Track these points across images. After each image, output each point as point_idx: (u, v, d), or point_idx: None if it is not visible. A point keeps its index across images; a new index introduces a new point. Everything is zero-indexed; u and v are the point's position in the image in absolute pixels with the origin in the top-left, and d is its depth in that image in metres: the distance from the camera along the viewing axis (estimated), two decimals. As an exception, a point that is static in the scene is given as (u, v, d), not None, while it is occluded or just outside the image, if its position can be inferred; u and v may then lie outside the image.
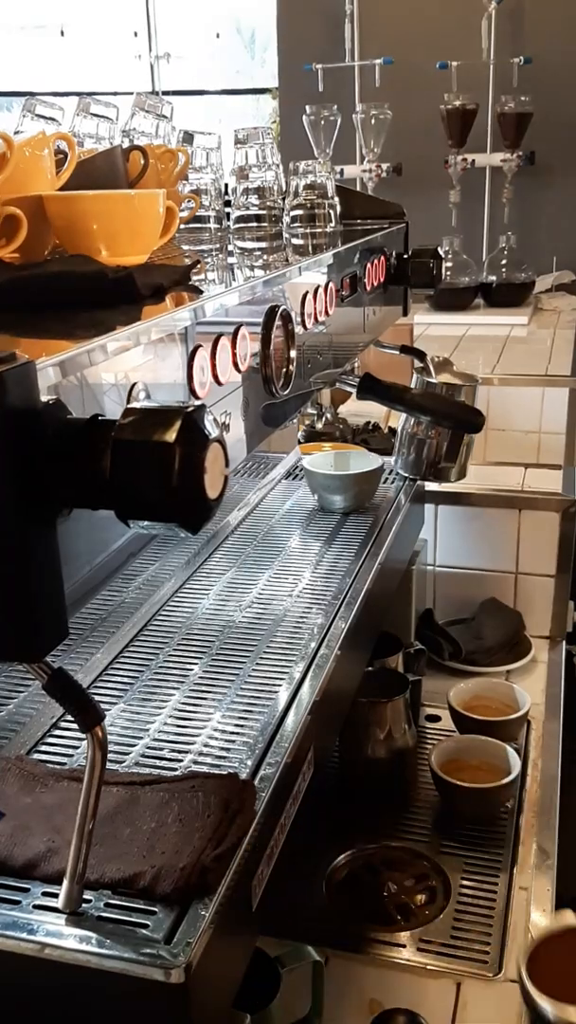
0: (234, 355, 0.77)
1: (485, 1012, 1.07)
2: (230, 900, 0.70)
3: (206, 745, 0.87)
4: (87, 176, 0.94)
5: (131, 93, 1.19)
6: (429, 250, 1.37)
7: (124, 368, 0.60)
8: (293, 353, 0.91)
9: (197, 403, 0.53)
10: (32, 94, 1.03)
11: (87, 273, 0.71)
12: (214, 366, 0.72)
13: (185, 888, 0.67)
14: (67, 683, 0.60)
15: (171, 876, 0.68)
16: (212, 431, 0.52)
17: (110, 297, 0.68)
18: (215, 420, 0.54)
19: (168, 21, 4.72)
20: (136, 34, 4.77)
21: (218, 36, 5.18)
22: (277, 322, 0.86)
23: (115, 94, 1.14)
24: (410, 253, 1.40)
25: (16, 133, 0.93)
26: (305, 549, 1.34)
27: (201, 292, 0.80)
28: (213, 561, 1.30)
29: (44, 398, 0.51)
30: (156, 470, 0.50)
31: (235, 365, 0.77)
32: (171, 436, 0.50)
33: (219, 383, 0.73)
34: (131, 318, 0.63)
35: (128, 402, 0.58)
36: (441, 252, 1.44)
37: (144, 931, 0.65)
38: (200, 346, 0.69)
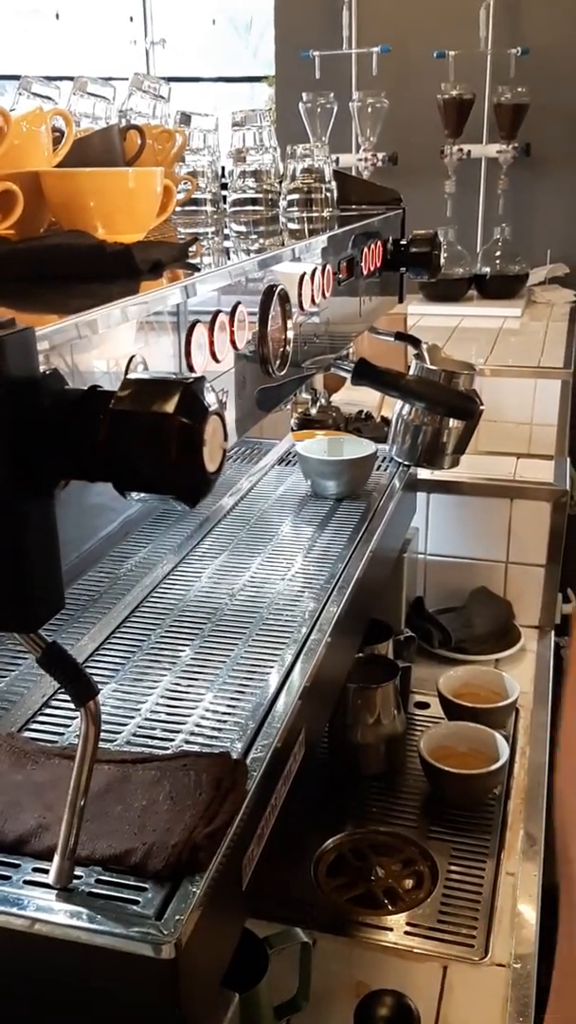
0: (231, 333, 0.76)
1: (471, 995, 1.08)
2: (221, 878, 0.70)
3: (198, 725, 0.87)
4: (83, 154, 0.93)
5: (126, 79, 1.18)
6: (428, 236, 1.37)
7: (121, 342, 0.60)
8: (290, 334, 0.90)
9: (196, 375, 0.52)
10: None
11: (85, 246, 0.70)
12: (211, 343, 0.72)
13: (176, 865, 0.67)
14: (61, 657, 0.59)
15: (162, 853, 0.67)
16: (212, 403, 0.52)
17: (108, 271, 0.68)
18: (214, 393, 0.53)
19: (164, 7, 4.69)
20: (132, 19, 4.73)
21: (214, 23, 5.15)
22: (275, 302, 0.86)
23: (110, 79, 1.13)
24: (408, 239, 1.40)
25: (11, 111, 0.92)
26: (297, 534, 1.34)
27: (199, 269, 0.79)
28: (205, 545, 1.30)
29: (41, 368, 0.50)
30: (155, 442, 0.50)
31: (232, 343, 0.77)
32: (170, 407, 0.50)
33: (216, 360, 0.73)
34: (129, 291, 0.63)
35: (126, 375, 0.58)
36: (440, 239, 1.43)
37: (135, 907, 0.65)
38: (198, 322, 0.69)
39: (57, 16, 4.86)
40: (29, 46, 4.82)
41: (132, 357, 0.59)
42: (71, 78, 1.10)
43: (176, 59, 4.77)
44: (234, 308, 0.77)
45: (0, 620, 0.51)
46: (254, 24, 5.00)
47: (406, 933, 1.17)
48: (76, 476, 0.52)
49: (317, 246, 1.07)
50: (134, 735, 0.86)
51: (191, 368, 0.69)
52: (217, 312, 0.73)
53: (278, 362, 0.88)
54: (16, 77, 1.02)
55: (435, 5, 3.05)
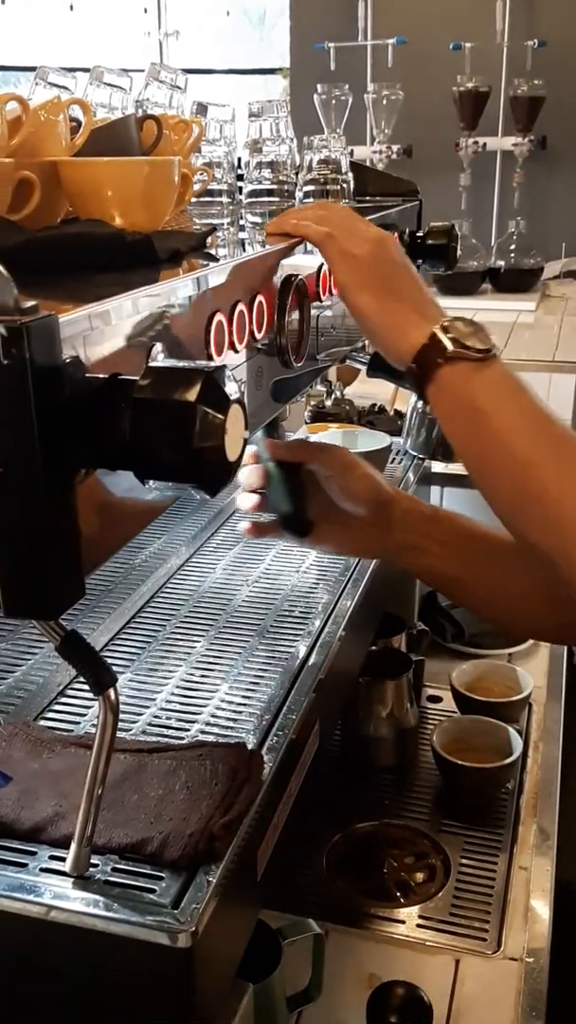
0: (250, 324, 0.76)
1: (484, 989, 1.08)
2: (236, 868, 0.70)
3: (213, 716, 0.87)
4: (100, 144, 0.93)
5: (141, 70, 1.18)
6: (445, 228, 1.35)
7: (139, 331, 0.60)
8: (308, 325, 0.90)
9: (218, 363, 0.52)
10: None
11: (105, 235, 0.70)
12: (230, 333, 0.72)
13: (193, 855, 0.67)
14: (80, 645, 0.59)
15: (179, 842, 0.68)
16: (233, 392, 0.52)
17: (127, 260, 0.68)
18: (235, 382, 0.53)
19: (178, -2, 4.68)
20: (146, 11, 4.72)
21: (228, 14, 5.14)
22: (292, 293, 0.85)
23: (124, 71, 1.13)
24: (425, 231, 1.39)
25: (28, 100, 0.92)
26: (311, 527, 1.33)
27: (217, 259, 0.79)
28: (220, 536, 1.30)
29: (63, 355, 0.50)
30: (177, 430, 0.50)
31: (251, 334, 0.76)
32: (192, 396, 0.50)
33: (235, 351, 0.73)
34: (149, 280, 0.63)
35: (147, 362, 0.58)
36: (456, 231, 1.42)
37: (151, 896, 0.65)
38: (218, 311, 0.69)
39: (71, 7, 4.86)
40: (43, 37, 4.82)
41: (152, 346, 0.59)
42: (85, 70, 1.10)
43: (190, 51, 4.76)
44: (252, 299, 0.77)
45: (21, 608, 0.51)
46: (268, 16, 4.99)
47: (418, 926, 1.17)
48: (97, 464, 0.52)
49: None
50: (149, 725, 0.86)
51: (210, 358, 0.69)
52: (236, 302, 0.73)
53: (295, 354, 0.88)
54: (31, 68, 1.02)
55: (451, -3, 3.04)
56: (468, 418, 0.71)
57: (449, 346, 0.70)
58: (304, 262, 0.94)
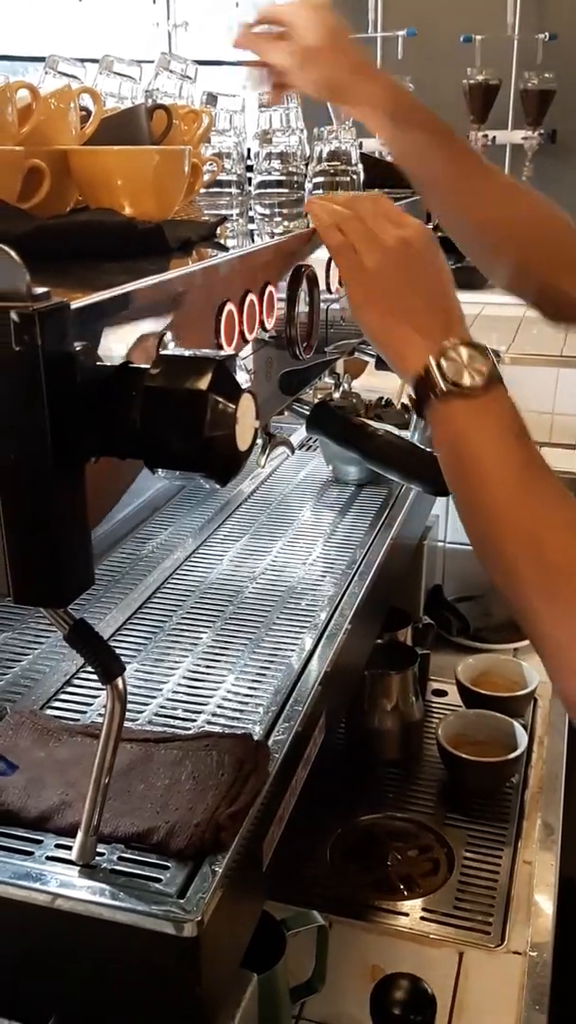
0: (260, 314, 0.76)
1: (487, 982, 1.08)
2: (242, 859, 0.70)
3: (219, 707, 0.87)
4: (110, 133, 0.93)
5: (149, 61, 1.17)
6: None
7: (149, 319, 0.60)
8: (317, 316, 0.90)
9: (229, 352, 0.52)
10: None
11: (115, 224, 0.70)
12: (240, 323, 0.72)
13: (199, 844, 0.67)
14: (88, 634, 0.59)
15: (185, 832, 0.68)
16: (244, 381, 0.51)
17: (138, 248, 0.67)
18: (245, 372, 0.53)
19: (187, -12, 4.66)
20: (154, 1, 4.70)
21: (237, 5, 5.12)
22: (303, 283, 0.85)
23: (135, 61, 1.13)
24: (435, 223, 1.38)
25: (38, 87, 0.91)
26: (318, 519, 1.33)
27: (227, 249, 0.79)
28: (226, 528, 1.30)
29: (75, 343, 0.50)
30: (188, 419, 0.50)
31: (261, 324, 0.76)
32: (204, 384, 0.49)
33: (245, 341, 0.73)
34: (160, 269, 0.62)
35: (157, 351, 0.58)
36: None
37: (157, 885, 0.65)
38: (228, 300, 0.68)
39: (80, -2, 4.84)
40: (51, 27, 4.80)
41: (163, 334, 0.59)
42: (94, 60, 1.09)
43: (199, 42, 4.74)
44: (263, 289, 0.77)
45: (31, 595, 0.51)
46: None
47: (422, 919, 1.17)
48: (107, 452, 0.52)
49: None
50: (156, 715, 0.86)
51: (220, 348, 0.68)
52: (247, 292, 0.73)
53: (305, 345, 0.88)
54: (40, 59, 1.02)
55: (462, -12, 3.03)
56: (453, 453, 0.71)
57: (441, 384, 0.69)
58: (313, 253, 0.93)
